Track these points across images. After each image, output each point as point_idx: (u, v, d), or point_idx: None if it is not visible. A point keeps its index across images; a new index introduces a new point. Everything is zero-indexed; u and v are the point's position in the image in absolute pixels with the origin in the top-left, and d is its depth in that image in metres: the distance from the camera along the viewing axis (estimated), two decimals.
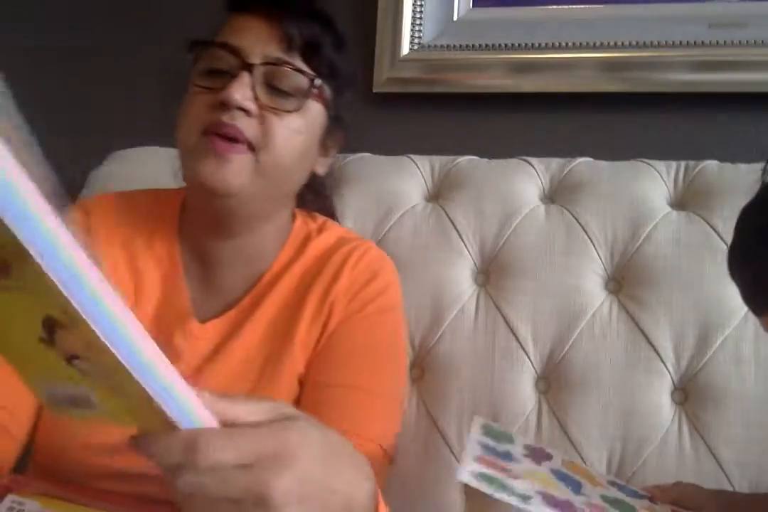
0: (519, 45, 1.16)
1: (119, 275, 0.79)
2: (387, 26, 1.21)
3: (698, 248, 0.96)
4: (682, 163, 1.03)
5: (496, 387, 0.96)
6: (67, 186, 0.37)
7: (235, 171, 0.71)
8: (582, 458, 0.93)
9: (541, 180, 1.06)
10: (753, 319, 0.93)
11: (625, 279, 0.98)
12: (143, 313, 0.78)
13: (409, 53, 1.20)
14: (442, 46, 1.19)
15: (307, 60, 0.76)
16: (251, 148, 0.72)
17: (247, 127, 0.71)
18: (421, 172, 1.09)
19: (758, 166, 1.00)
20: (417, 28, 1.20)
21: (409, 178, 1.09)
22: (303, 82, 0.75)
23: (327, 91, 0.78)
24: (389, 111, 1.23)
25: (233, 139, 0.71)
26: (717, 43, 1.09)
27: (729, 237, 0.95)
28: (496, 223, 1.02)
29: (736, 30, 1.09)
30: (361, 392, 0.77)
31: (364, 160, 1.12)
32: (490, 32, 1.17)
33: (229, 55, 0.73)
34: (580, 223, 1.00)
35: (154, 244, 0.82)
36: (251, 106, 0.72)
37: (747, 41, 1.09)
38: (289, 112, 0.74)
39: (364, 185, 1.09)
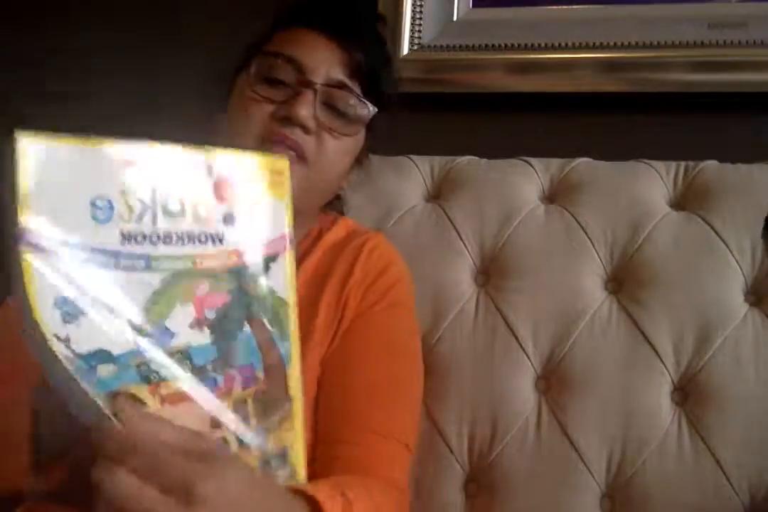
0: (519, 45, 1.16)
1: None
2: (386, 26, 1.20)
3: (698, 248, 0.96)
4: (682, 164, 1.03)
5: (496, 387, 0.96)
6: None
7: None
8: (582, 458, 0.93)
9: (540, 180, 1.06)
10: (753, 319, 0.93)
11: (624, 280, 0.98)
12: None
13: (408, 53, 1.20)
14: (441, 46, 1.19)
15: (364, 88, 0.80)
16: (304, 161, 0.76)
17: (304, 142, 0.76)
18: (420, 172, 1.09)
19: (758, 167, 1.00)
20: (417, 28, 1.20)
21: (408, 179, 1.09)
22: (361, 109, 0.80)
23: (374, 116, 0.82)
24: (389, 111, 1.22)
25: (292, 149, 0.76)
26: (717, 43, 1.09)
27: (729, 237, 0.96)
28: (496, 224, 1.02)
29: (736, 30, 1.09)
30: (382, 390, 0.78)
31: None
32: (490, 32, 1.17)
33: (294, 69, 0.77)
34: (579, 223, 1.00)
35: None
36: (312, 124, 0.76)
37: (747, 41, 1.08)
38: (345, 135, 0.79)
39: (364, 185, 1.09)
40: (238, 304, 0.55)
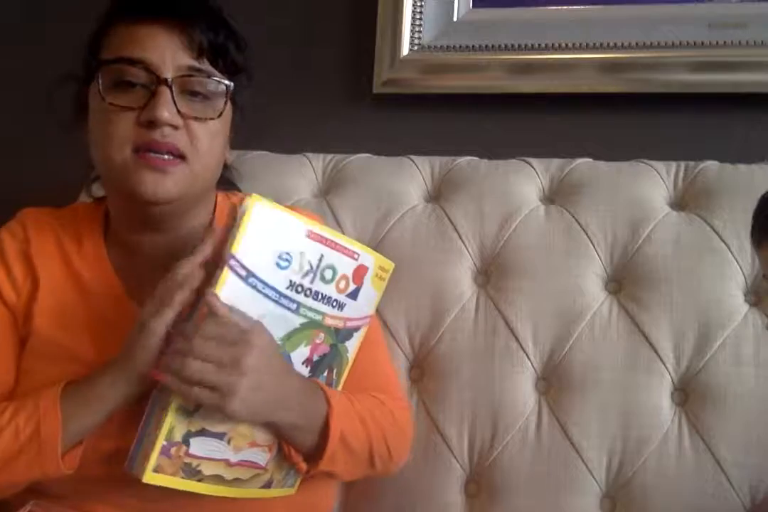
0: (519, 46, 1.16)
1: (59, 280, 0.82)
2: (387, 27, 1.20)
3: (698, 248, 0.96)
4: (682, 164, 1.03)
5: (496, 387, 0.96)
6: None
7: (174, 181, 0.76)
8: (582, 458, 0.93)
9: (540, 180, 1.06)
10: (753, 320, 0.93)
11: (625, 280, 0.98)
12: (91, 310, 0.81)
13: (408, 54, 1.20)
14: (441, 46, 1.19)
15: (215, 64, 0.77)
16: (183, 158, 0.76)
17: (177, 140, 0.75)
18: (421, 172, 1.09)
19: (758, 167, 1.00)
20: (417, 28, 1.20)
21: (409, 179, 1.09)
22: (218, 86, 0.78)
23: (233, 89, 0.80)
24: (389, 112, 1.23)
25: (168, 153, 0.75)
26: (717, 43, 1.09)
27: (729, 237, 0.96)
28: (496, 224, 1.02)
29: (736, 30, 1.09)
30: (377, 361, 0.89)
31: (364, 160, 1.13)
32: (490, 33, 1.17)
33: (142, 69, 0.74)
34: (579, 224, 1.00)
35: (84, 249, 0.84)
36: (178, 120, 0.74)
37: (747, 42, 1.08)
38: (211, 118, 0.77)
39: (364, 186, 1.09)
40: (330, 356, 0.75)
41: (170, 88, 0.74)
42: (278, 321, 0.68)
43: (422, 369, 1.01)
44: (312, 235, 0.69)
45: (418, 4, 1.19)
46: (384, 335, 0.98)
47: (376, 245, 1.03)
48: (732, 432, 0.90)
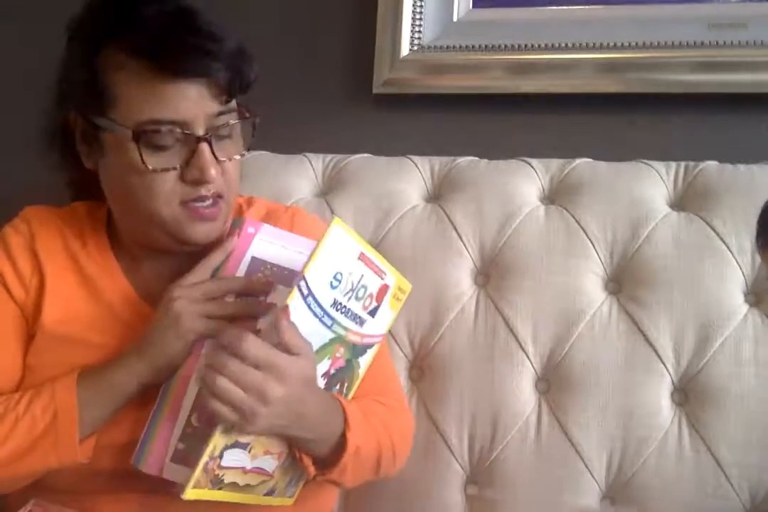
0: (519, 46, 1.16)
1: (65, 276, 0.82)
2: (386, 27, 1.20)
3: (698, 249, 0.96)
4: (682, 164, 1.03)
5: (496, 387, 0.97)
6: None
7: (221, 224, 0.78)
8: (582, 458, 0.93)
9: (540, 180, 1.06)
10: (753, 320, 0.93)
11: (624, 280, 0.98)
12: (98, 306, 0.81)
13: (408, 54, 1.20)
14: (441, 47, 1.19)
15: (235, 94, 0.76)
16: (222, 198, 0.77)
17: (219, 186, 0.75)
18: (421, 172, 1.09)
19: (758, 167, 1.00)
20: (417, 29, 1.19)
21: (409, 179, 1.09)
22: (245, 122, 0.78)
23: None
24: (389, 112, 1.23)
25: (215, 204, 0.76)
26: (717, 43, 1.09)
27: (729, 237, 0.96)
28: (496, 224, 1.02)
29: (736, 30, 1.09)
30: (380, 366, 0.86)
31: (364, 160, 1.13)
32: (490, 33, 1.17)
33: (178, 128, 0.72)
34: (579, 224, 1.00)
35: (88, 247, 0.84)
36: (219, 170, 0.75)
37: (747, 42, 1.08)
38: (242, 156, 0.78)
39: (364, 186, 1.09)
40: (345, 370, 0.76)
41: (209, 143, 0.73)
42: (315, 337, 0.69)
43: (422, 369, 1.01)
44: (362, 257, 0.71)
45: (418, 4, 1.19)
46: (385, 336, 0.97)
47: (376, 245, 1.03)
48: (732, 432, 0.90)
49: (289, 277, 0.75)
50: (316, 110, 1.25)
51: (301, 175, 1.13)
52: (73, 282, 0.82)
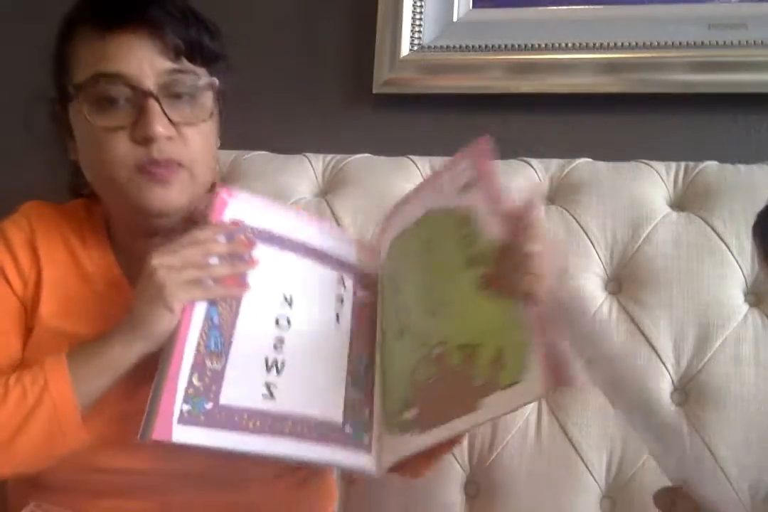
0: (519, 46, 1.16)
1: (64, 270, 0.82)
2: (386, 27, 1.20)
3: (698, 249, 0.96)
4: (682, 164, 1.03)
5: None
6: None
7: (179, 190, 0.76)
8: (582, 458, 0.93)
9: (540, 181, 1.06)
10: (753, 320, 0.93)
11: (624, 280, 0.98)
12: (96, 301, 0.80)
13: (408, 54, 1.20)
14: (441, 47, 1.19)
15: (193, 60, 0.76)
16: (182, 166, 0.76)
17: (174, 151, 0.74)
18: (421, 172, 1.09)
19: (758, 167, 1.00)
20: (417, 29, 1.19)
21: (409, 179, 1.08)
22: (203, 84, 0.76)
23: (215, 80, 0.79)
24: (389, 112, 1.22)
25: (168, 166, 0.74)
26: (717, 43, 1.09)
27: (729, 237, 0.96)
28: None
29: (736, 30, 1.09)
30: None
31: (364, 160, 1.13)
32: (490, 33, 1.17)
33: (123, 84, 0.72)
34: (579, 224, 1.00)
35: (88, 243, 0.84)
36: (172, 131, 0.73)
37: (747, 42, 1.08)
38: (204, 120, 0.77)
39: (364, 186, 1.09)
40: None
41: (157, 99, 0.72)
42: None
43: None
44: None
45: (418, 4, 1.19)
46: None
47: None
48: (732, 432, 0.90)
49: (269, 236, 0.76)
50: (316, 110, 1.25)
51: (301, 175, 1.12)
52: (71, 277, 0.82)
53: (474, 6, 1.20)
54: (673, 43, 1.11)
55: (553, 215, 1.02)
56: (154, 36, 0.72)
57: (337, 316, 0.79)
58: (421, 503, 0.96)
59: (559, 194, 1.04)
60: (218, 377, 0.68)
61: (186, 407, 0.66)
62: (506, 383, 0.63)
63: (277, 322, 0.74)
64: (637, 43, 1.12)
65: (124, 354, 0.70)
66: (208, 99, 0.77)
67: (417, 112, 1.22)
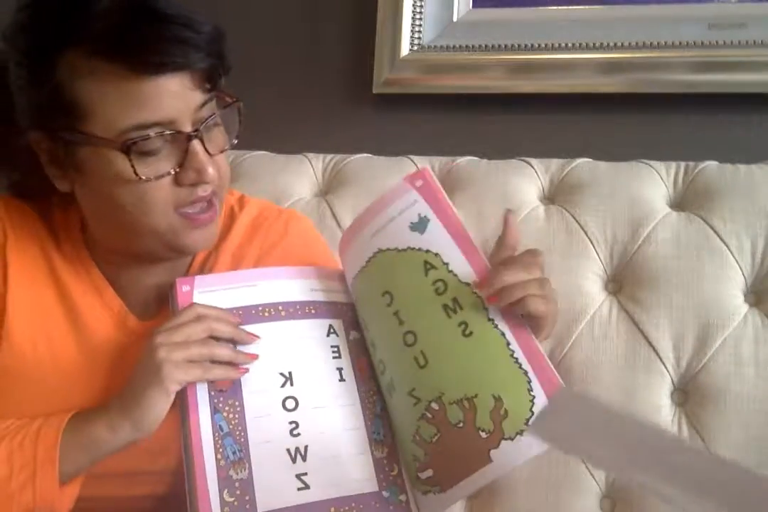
0: (519, 46, 1.16)
1: (36, 277, 0.76)
2: (386, 27, 1.20)
3: (698, 249, 0.96)
4: (682, 164, 1.03)
5: None
6: None
7: (215, 228, 0.73)
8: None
9: (540, 180, 1.06)
10: (753, 320, 0.93)
11: (624, 280, 0.98)
12: (75, 317, 0.76)
13: (408, 54, 1.20)
14: (441, 46, 1.19)
15: (215, 83, 0.69)
16: (216, 194, 0.71)
17: (213, 182, 0.70)
18: None
19: (758, 167, 1.00)
20: (416, 28, 1.20)
21: None
22: (231, 110, 0.71)
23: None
24: (389, 112, 1.23)
25: (210, 204, 0.71)
26: (717, 43, 1.09)
27: (729, 237, 0.96)
28: (496, 224, 1.02)
29: (736, 30, 1.09)
30: None
31: (364, 160, 1.13)
32: (490, 33, 1.17)
33: (165, 129, 0.65)
34: (579, 224, 1.00)
35: (65, 251, 0.78)
36: (215, 167, 0.69)
37: (747, 42, 1.08)
38: (232, 146, 0.73)
39: (364, 186, 1.09)
40: None
41: (201, 139, 0.67)
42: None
43: None
44: None
45: (418, 4, 1.20)
46: None
47: None
48: (732, 432, 0.90)
49: (248, 314, 0.73)
50: (316, 110, 1.25)
51: (301, 175, 1.12)
52: (44, 287, 0.77)
53: (474, 6, 1.20)
54: (673, 43, 1.11)
55: (553, 215, 1.02)
56: (193, 74, 0.66)
57: (340, 372, 0.74)
58: None
59: (559, 194, 1.04)
60: (248, 485, 0.66)
61: (229, 498, 0.64)
62: (511, 433, 0.64)
63: (284, 406, 0.70)
64: (637, 43, 1.12)
65: (109, 439, 0.66)
66: (233, 122, 0.72)
67: (417, 112, 1.22)
